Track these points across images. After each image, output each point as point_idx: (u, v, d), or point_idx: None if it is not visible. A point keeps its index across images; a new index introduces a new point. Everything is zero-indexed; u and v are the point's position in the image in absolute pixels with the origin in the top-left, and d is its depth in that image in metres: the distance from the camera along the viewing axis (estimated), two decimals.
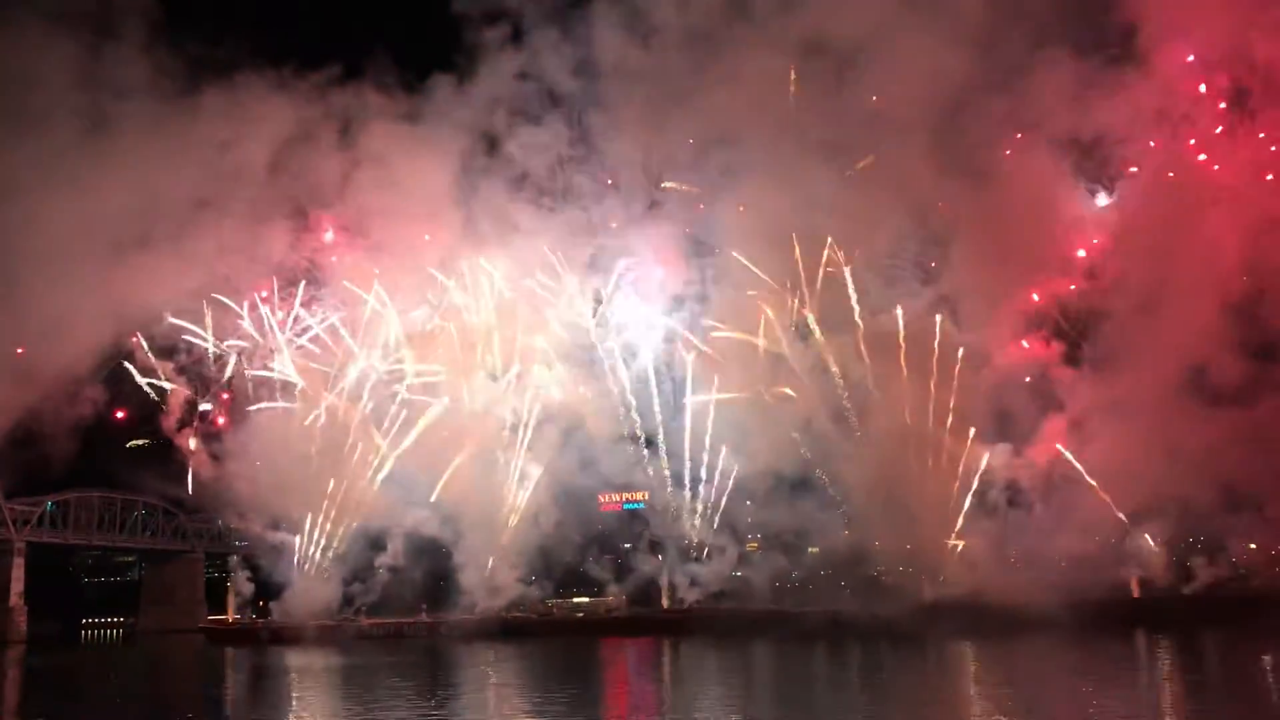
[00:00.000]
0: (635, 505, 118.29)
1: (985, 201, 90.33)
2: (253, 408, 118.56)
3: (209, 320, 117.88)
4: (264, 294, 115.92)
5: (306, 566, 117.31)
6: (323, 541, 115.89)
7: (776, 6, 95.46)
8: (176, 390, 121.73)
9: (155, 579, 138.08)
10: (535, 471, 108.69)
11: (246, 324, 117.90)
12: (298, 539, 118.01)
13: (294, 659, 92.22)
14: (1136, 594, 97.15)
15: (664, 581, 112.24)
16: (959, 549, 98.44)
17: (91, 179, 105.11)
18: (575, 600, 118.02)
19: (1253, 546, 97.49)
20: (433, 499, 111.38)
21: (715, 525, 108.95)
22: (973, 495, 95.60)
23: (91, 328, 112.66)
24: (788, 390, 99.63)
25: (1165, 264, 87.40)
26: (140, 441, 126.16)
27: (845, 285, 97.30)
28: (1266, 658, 65.69)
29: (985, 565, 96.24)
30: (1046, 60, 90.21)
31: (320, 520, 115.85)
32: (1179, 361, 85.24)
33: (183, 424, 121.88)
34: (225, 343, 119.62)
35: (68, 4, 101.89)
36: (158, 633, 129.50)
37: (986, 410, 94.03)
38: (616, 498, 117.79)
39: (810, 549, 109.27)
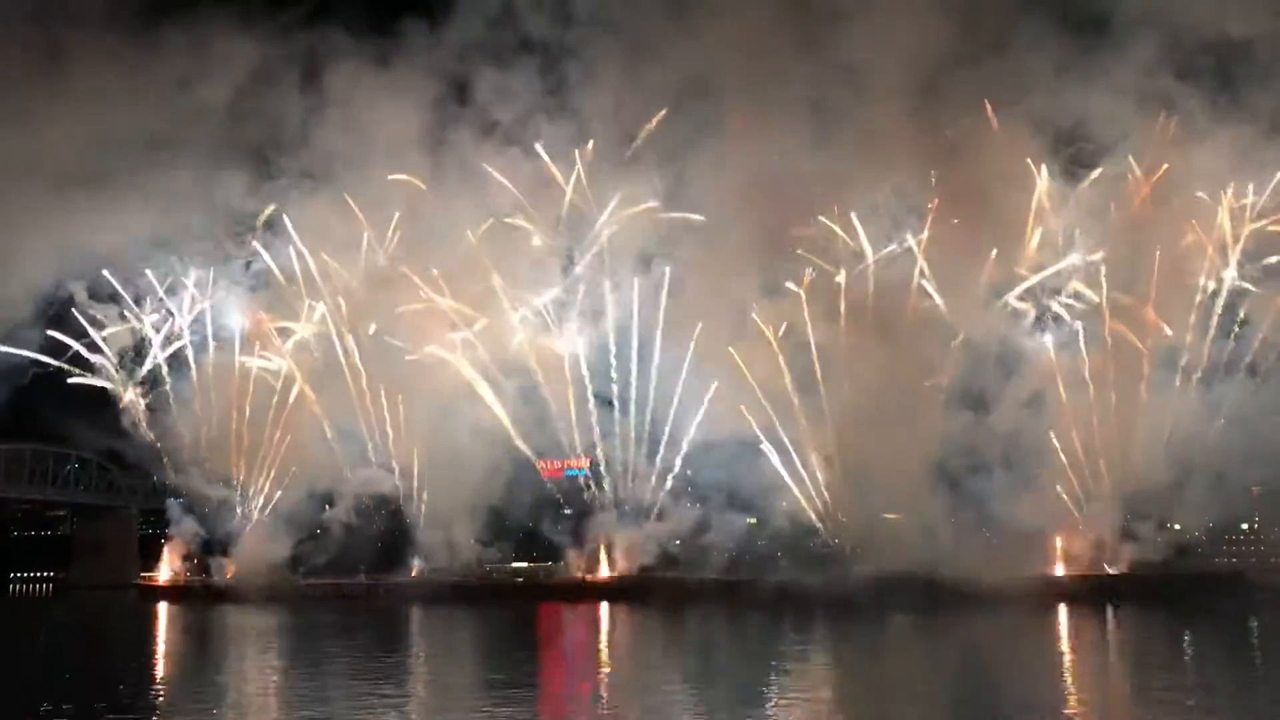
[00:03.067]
0: (577, 472, 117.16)
1: (962, 170, 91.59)
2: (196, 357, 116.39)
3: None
4: (217, 239, 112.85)
5: (249, 523, 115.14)
6: (264, 498, 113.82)
7: None
8: (118, 338, 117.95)
9: (87, 534, 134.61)
10: (490, 430, 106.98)
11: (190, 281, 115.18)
12: (238, 494, 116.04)
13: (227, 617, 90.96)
14: (1084, 571, 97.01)
15: (613, 546, 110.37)
16: (907, 521, 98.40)
17: (42, 113, 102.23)
18: (514, 565, 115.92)
19: (1177, 527, 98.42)
20: (385, 455, 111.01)
21: (669, 489, 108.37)
22: (932, 465, 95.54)
23: (33, 270, 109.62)
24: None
25: (1142, 251, 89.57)
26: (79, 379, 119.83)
27: (820, 245, 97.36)
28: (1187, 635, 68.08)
29: (935, 537, 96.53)
30: (1026, 38, 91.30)
31: (265, 475, 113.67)
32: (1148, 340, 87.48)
33: (123, 373, 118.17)
34: (171, 298, 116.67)
35: None
36: (88, 588, 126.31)
37: (953, 379, 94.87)
38: (558, 464, 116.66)
39: (749, 520, 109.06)
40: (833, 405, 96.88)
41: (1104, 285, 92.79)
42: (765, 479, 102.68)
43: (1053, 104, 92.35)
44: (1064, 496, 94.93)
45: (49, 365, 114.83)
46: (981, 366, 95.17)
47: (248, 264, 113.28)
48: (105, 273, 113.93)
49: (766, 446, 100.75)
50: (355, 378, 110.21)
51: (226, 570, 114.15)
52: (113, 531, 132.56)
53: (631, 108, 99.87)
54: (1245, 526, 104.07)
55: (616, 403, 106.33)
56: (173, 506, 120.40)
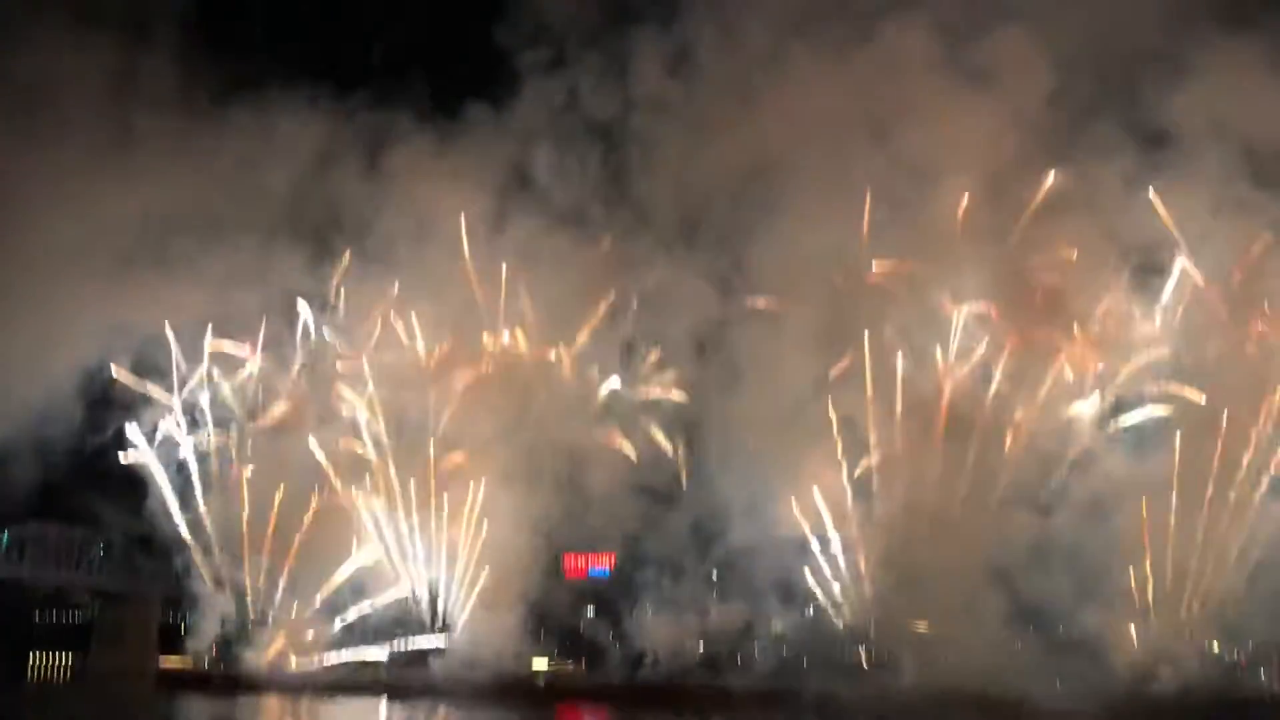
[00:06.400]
0: (600, 572, 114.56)
1: (1030, 274, 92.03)
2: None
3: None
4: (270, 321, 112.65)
5: (278, 611, 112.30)
6: (297, 585, 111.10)
7: (819, 60, 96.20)
8: (158, 419, 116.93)
9: (109, 618, 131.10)
10: (528, 521, 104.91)
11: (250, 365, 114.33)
12: (269, 581, 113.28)
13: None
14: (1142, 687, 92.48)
15: (645, 648, 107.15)
16: (959, 631, 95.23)
17: (103, 191, 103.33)
18: (537, 666, 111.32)
19: (1216, 649, 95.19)
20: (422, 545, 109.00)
21: (711, 590, 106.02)
22: (990, 572, 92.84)
23: (78, 348, 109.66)
24: None
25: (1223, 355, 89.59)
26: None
27: (883, 339, 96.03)
28: None
29: (991, 649, 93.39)
30: (1091, 148, 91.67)
31: (297, 562, 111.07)
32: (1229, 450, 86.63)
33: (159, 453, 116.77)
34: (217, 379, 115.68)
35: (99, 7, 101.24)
36: (108, 674, 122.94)
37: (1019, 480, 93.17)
38: (582, 561, 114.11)
39: (776, 628, 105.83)
40: (888, 506, 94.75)
41: (1181, 390, 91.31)
42: (810, 582, 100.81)
43: (1123, 211, 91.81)
44: (1125, 608, 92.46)
45: (83, 446, 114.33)
46: (1047, 468, 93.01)
47: (298, 346, 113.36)
48: (149, 352, 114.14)
49: (815, 547, 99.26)
50: (396, 465, 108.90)
51: (264, 652, 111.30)
52: (134, 617, 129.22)
53: (692, 191, 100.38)
54: None
55: (661, 495, 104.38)
56: (200, 592, 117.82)
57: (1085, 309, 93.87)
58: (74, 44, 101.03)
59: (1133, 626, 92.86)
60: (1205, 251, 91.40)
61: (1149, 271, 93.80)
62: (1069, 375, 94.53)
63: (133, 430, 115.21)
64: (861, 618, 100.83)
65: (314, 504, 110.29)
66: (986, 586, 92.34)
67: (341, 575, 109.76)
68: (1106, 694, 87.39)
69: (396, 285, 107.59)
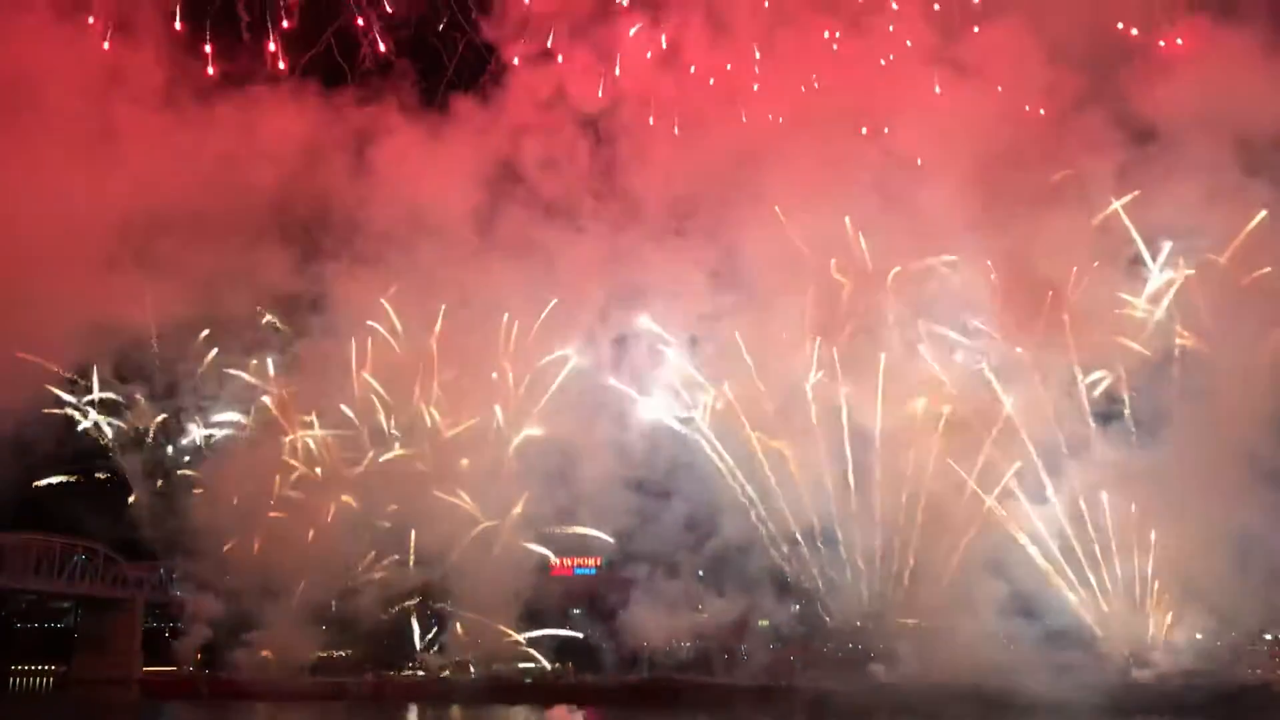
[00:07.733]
0: (587, 570, 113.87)
1: (1024, 268, 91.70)
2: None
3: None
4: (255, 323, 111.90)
5: (268, 617, 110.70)
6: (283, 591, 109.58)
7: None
8: (139, 422, 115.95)
9: (91, 626, 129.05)
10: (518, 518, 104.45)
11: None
12: (251, 589, 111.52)
13: None
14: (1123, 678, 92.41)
15: (640, 647, 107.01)
16: (951, 625, 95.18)
17: (78, 187, 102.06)
18: (521, 665, 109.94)
19: (1199, 636, 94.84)
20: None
21: (702, 586, 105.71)
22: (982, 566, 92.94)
23: (57, 351, 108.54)
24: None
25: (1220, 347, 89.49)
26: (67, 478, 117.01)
27: (877, 331, 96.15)
28: None
29: (986, 642, 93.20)
30: (1082, 143, 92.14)
31: (281, 569, 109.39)
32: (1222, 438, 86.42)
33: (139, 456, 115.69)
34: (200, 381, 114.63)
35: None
36: (91, 682, 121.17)
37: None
38: (569, 562, 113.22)
39: (762, 622, 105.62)
40: (884, 500, 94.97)
41: (1176, 378, 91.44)
42: (802, 578, 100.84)
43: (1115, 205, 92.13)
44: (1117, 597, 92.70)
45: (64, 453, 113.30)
46: (1042, 460, 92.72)
47: (285, 348, 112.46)
48: (133, 354, 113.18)
49: (804, 544, 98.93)
50: (384, 466, 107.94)
51: (251, 660, 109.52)
52: (117, 625, 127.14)
53: (682, 183, 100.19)
54: (1269, 636, 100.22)
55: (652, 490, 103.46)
56: (186, 599, 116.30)
57: (1079, 303, 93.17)
58: (58, 38, 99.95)
59: (1124, 615, 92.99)
60: (1198, 245, 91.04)
61: (1142, 264, 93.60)
62: (1064, 369, 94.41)
63: (115, 436, 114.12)
64: (854, 613, 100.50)
65: (300, 510, 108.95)
66: (980, 578, 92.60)
67: (331, 581, 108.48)
68: (1100, 683, 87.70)
69: (388, 288, 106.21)
